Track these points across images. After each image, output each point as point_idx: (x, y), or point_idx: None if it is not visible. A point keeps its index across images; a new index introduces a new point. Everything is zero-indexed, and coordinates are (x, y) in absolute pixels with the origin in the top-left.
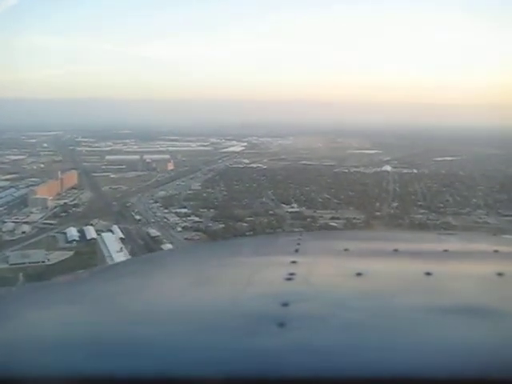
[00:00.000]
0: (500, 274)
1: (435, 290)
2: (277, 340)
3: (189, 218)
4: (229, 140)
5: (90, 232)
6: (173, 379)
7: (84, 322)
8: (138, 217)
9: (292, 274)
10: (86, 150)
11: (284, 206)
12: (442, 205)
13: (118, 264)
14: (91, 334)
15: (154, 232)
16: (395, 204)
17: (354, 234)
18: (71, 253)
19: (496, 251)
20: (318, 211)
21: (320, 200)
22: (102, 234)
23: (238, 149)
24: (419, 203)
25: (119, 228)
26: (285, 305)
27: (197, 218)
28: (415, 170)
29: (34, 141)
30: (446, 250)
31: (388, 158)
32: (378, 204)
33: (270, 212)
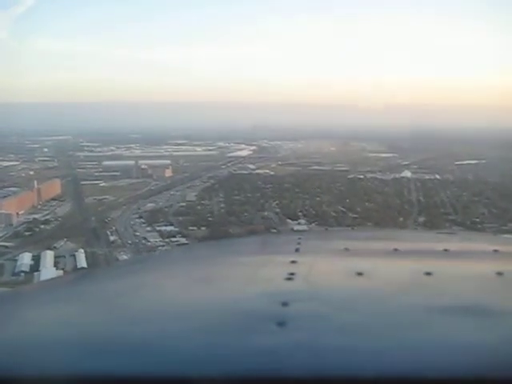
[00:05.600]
0: (500, 274)
1: (435, 290)
2: (277, 339)
3: (173, 239)
4: (238, 144)
5: (47, 260)
6: (172, 378)
7: (84, 322)
8: (113, 237)
9: (292, 274)
10: (85, 156)
11: (290, 221)
12: (477, 219)
13: (119, 262)
14: (91, 334)
15: (125, 259)
16: (422, 219)
17: (355, 234)
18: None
19: (496, 251)
20: (329, 229)
21: (333, 214)
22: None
23: (245, 153)
24: (450, 217)
25: (85, 253)
26: (285, 304)
27: (183, 239)
28: (438, 176)
29: (36, 146)
30: (446, 250)
31: (406, 162)
32: (401, 219)
33: (273, 230)
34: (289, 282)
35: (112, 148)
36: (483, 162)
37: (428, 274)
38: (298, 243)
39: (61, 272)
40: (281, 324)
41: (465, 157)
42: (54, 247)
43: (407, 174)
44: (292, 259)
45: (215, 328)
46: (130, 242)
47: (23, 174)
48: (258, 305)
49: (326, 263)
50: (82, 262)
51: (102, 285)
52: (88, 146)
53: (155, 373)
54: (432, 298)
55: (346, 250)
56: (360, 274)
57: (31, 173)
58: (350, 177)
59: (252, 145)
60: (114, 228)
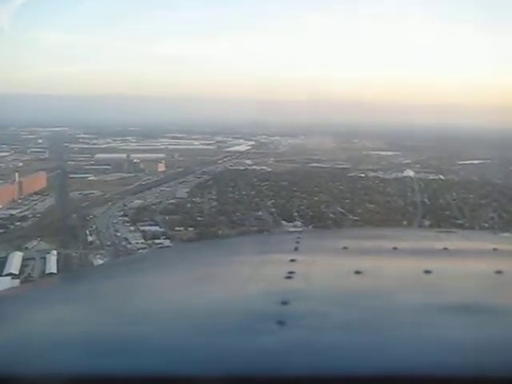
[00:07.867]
0: (499, 272)
1: (434, 288)
2: (276, 338)
3: (156, 241)
4: (236, 138)
5: (13, 263)
6: (172, 378)
7: (83, 321)
8: (91, 237)
9: (291, 273)
10: (79, 148)
11: (285, 223)
12: (486, 224)
13: (118, 262)
14: (91, 334)
15: (100, 263)
16: (427, 222)
17: (354, 232)
18: None
19: (495, 249)
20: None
21: (332, 215)
22: None
23: (243, 148)
24: (457, 221)
25: (58, 255)
26: (284, 303)
27: (167, 241)
28: (442, 176)
29: (32, 137)
30: (445, 248)
31: (408, 161)
32: (405, 222)
33: (266, 233)
34: (288, 281)
35: (108, 140)
36: (487, 162)
37: (427, 272)
38: (297, 242)
39: (17, 282)
40: (281, 323)
41: (468, 156)
42: (26, 248)
43: (410, 173)
44: (291, 258)
45: (215, 327)
46: (108, 243)
47: (11, 166)
48: (257, 303)
49: (326, 262)
50: (53, 265)
51: (101, 285)
52: (84, 138)
53: (155, 373)
54: (431, 296)
55: (345, 248)
56: (359, 272)
57: (20, 164)
58: (350, 175)
59: (251, 140)
60: (94, 227)
